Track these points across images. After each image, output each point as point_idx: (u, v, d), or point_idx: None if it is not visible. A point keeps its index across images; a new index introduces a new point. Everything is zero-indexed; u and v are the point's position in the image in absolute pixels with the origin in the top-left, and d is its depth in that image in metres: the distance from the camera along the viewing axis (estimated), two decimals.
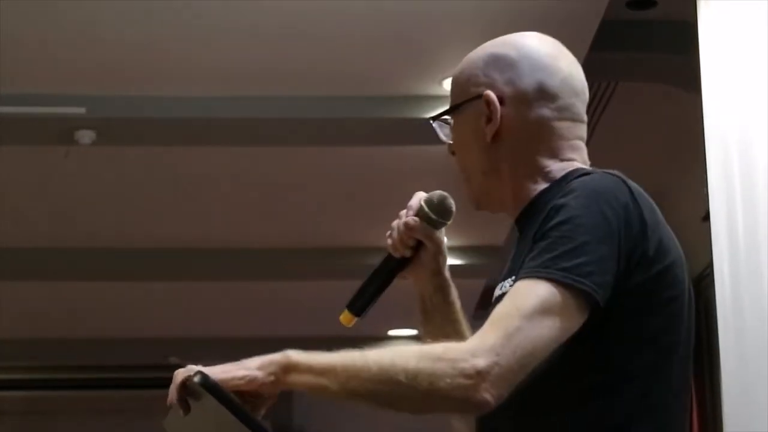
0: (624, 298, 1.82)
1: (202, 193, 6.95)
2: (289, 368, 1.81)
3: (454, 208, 2.13)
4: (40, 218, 7.22)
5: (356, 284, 2.19)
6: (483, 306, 2.18)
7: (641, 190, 1.92)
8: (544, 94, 1.98)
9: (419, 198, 2.13)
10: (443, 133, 2.07)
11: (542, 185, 1.98)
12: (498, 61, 2.00)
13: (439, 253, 2.14)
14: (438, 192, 2.14)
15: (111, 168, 6.51)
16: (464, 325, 2.19)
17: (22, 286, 8.17)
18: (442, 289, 2.16)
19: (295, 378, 1.81)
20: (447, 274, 2.17)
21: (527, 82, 1.98)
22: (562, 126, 1.99)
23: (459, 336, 2.11)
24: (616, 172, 1.92)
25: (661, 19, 5.70)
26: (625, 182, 1.89)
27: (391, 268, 2.15)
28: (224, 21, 5.15)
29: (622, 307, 1.82)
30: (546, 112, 1.98)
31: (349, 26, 5.17)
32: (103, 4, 4.99)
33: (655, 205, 1.93)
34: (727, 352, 3.89)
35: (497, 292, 1.98)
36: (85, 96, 5.65)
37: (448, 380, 1.71)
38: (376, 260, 2.18)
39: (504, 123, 1.98)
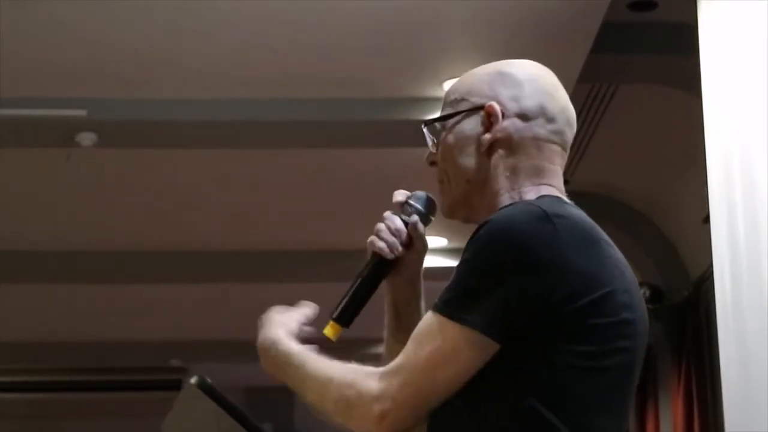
0: (544, 332, 1.87)
1: (204, 196, 6.95)
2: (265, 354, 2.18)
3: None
4: (42, 220, 7.21)
5: None
6: None
7: (576, 218, 1.96)
8: (544, 114, 2.06)
9: (405, 195, 2.16)
10: (431, 139, 2.12)
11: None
12: (504, 78, 2.09)
13: (424, 252, 2.18)
14: (419, 191, 2.15)
15: (112, 170, 6.51)
16: None
17: (24, 288, 8.18)
18: (418, 297, 2.20)
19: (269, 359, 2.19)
20: (422, 280, 2.20)
21: (530, 101, 2.06)
22: (552, 148, 2.06)
23: None
24: (545, 204, 1.95)
25: (661, 21, 5.70)
26: (548, 218, 1.91)
27: (380, 271, 2.12)
28: (225, 25, 5.15)
29: (545, 340, 1.88)
30: (542, 131, 2.06)
31: (349, 29, 5.18)
32: (103, 7, 5.00)
33: (591, 234, 1.96)
34: (727, 353, 3.90)
35: None
36: (86, 99, 5.65)
37: (357, 420, 1.94)
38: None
39: (501, 136, 2.05)
